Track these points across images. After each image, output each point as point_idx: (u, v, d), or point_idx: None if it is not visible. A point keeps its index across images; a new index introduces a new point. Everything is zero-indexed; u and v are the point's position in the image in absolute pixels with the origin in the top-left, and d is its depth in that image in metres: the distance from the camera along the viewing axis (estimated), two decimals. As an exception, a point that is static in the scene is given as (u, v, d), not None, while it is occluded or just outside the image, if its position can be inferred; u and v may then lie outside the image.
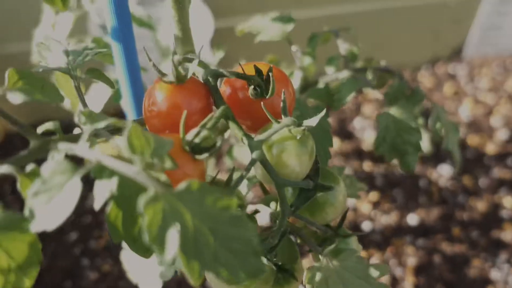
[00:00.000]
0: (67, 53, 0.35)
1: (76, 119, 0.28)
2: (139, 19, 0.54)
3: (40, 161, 0.29)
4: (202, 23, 0.81)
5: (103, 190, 0.28)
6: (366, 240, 0.92)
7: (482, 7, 1.21)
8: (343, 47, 0.55)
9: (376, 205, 0.98)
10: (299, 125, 0.36)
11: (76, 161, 0.27)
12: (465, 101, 1.19)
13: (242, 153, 0.57)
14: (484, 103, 1.19)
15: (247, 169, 0.34)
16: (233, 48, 0.83)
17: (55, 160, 0.26)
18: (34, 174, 0.28)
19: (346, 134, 1.11)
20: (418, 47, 1.24)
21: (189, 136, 0.31)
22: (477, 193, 1.00)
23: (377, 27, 1.15)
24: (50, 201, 0.25)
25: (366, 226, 0.94)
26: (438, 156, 1.05)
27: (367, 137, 1.10)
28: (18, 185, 0.29)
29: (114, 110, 1.00)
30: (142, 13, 0.54)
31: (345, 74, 0.53)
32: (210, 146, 0.32)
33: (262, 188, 0.46)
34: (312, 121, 0.36)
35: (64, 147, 0.28)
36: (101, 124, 0.28)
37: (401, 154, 0.50)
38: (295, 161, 0.35)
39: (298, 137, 0.35)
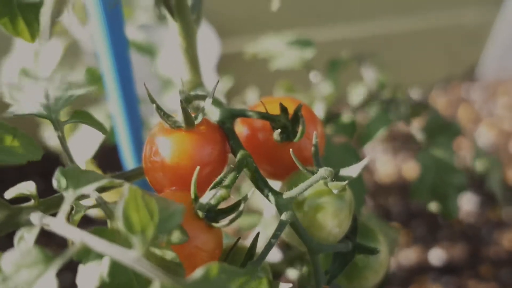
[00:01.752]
0: (47, 95, 0.28)
1: (54, 183, 0.21)
2: (138, 44, 0.48)
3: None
4: (207, 46, 0.75)
5: (89, 278, 0.21)
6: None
7: (498, 27, 1.15)
8: (368, 76, 0.48)
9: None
10: (335, 174, 0.29)
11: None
12: (481, 125, 1.13)
13: (255, 195, 0.50)
14: (501, 127, 1.12)
15: (275, 235, 0.26)
16: (240, 72, 0.76)
17: (21, 247, 0.19)
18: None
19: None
20: (431, 68, 1.18)
21: (205, 199, 0.24)
22: (502, 226, 0.92)
23: (390, 50, 1.10)
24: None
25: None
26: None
27: (380, 166, 1.03)
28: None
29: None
30: (141, 37, 0.48)
31: (373, 107, 0.46)
32: (229, 209, 0.25)
33: (283, 243, 0.39)
34: (353, 171, 0.29)
35: (38, 220, 0.21)
36: (88, 189, 0.21)
37: (442, 198, 0.42)
38: (333, 221, 0.28)
39: (335, 192, 0.28)
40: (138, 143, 0.42)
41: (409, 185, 0.97)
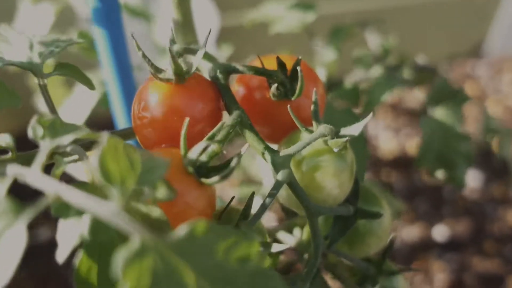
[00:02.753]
0: (31, 45, 0.26)
1: (29, 132, 0.19)
2: (131, 8, 0.45)
3: None
4: (207, 20, 0.72)
5: (69, 234, 0.19)
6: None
7: (505, 4, 1.12)
8: (372, 40, 0.46)
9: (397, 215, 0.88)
10: (336, 134, 0.27)
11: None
12: (487, 102, 1.10)
13: (254, 164, 0.48)
14: (507, 104, 1.10)
15: (271, 194, 0.25)
16: (240, 46, 0.74)
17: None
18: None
19: (361, 139, 1.02)
20: (437, 44, 1.15)
21: (194, 152, 0.22)
22: (507, 202, 0.90)
23: (394, 24, 1.06)
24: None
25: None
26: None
27: (383, 143, 1.00)
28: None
29: (107, 116, 0.91)
30: (137, 2, 0.45)
31: (377, 71, 0.44)
32: (222, 166, 0.23)
33: (282, 208, 0.37)
34: (354, 129, 0.27)
35: (14, 172, 0.19)
36: (66, 139, 0.19)
37: (449, 166, 0.40)
38: (333, 182, 0.26)
39: (336, 150, 0.26)
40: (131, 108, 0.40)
41: (413, 161, 0.95)
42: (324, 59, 0.47)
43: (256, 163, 0.48)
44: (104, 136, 0.18)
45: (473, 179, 0.94)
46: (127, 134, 0.28)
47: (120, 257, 0.16)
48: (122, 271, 0.16)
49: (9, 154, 0.21)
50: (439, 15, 1.10)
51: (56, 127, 0.20)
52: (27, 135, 0.20)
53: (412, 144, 0.99)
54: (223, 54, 0.56)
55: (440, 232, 0.86)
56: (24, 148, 0.24)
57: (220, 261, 0.18)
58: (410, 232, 0.86)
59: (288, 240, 0.34)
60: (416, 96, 1.07)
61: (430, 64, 0.45)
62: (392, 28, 1.06)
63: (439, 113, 0.41)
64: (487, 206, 0.90)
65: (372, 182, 0.43)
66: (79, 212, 0.19)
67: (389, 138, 1.01)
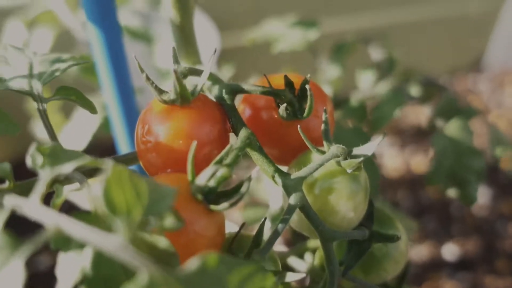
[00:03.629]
0: (31, 66, 0.25)
1: (28, 161, 0.18)
2: (132, 30, 0.45)
3: None
4: (207, 40, 0.72)
5: (70, 269, 0.18)
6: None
7: (504, 17, 1.12)
8: (377, 54, 0.45)
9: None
10: (349, 154, 0.26)
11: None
12: (490, 117, 1.09)
13: (260, 187, 0.47)
14: (510, 118, 1.09)
15: (284, 219, 0.23)
16: (241, 66, 0.73)
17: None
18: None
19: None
20: (437, 59, 1.15)
21: (202, 178, 0.21)
22: (516, 218, 0.88)
23: (395, 41, 1.07)
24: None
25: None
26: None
27: (387, 160, 0.99)
28: None
29: (108, 139, 0.89)
30: (136, 22, 0.45)
31: (383, 87, 0.43)
32: (231, 191, 0.22)
33: (292, 233, 0.36)
34: (367, 149, 0.26)
35: (12, 203, 0.18)
36: (67, 167, 0.18)
37: (461, 183, 0.39)
38: (348, 204, 0.25)
39: (349, 171, 0.25)
40: (133, 132, 0.39)
41: (419, 179, 0.94)
42: (328, 76, 0.46)
43: (261, 185, 0.47)
44: (108, 164, 0.17)
45: (481, 195, 0.92)
46: (130, 159, 0.27)
47: (127, 295, 0.14)
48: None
49: (7, 184, 0.20)
50: (438, 30, 1.11)
51: (56, 155, 0.19)
52: (23, 162, 0.19)
53: (417, 161, 0.98)
54: (225, 75, 0.55)
55: (450, 251, 0.84)
56: (20, 175, 0.23)
57: (234, 295, 0.16)
58: (420, 252, 0.84)
59: (300, 266, 0.32)
60: (419, 112, 1.06)
61: (436, 79, 0.44)
62: (392, 44, 1.06)
63: (450, 128, 0.40)
64: (496, 223, 0.88)
65: (383, 202, 0.42)
66: (81, 245, 0.18)
67: (394, 156, 1.00)
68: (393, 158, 1.00)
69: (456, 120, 0.41)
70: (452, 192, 0.40)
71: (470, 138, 0.40)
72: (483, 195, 0.92)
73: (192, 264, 0.16)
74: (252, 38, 0.46)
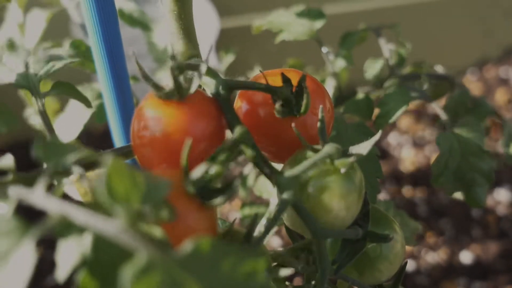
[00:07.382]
0: (26, 65, 0.29)
1: (34, 153, 0.22)
2: (129, 16, 0.48)
3: None
4: (204, 22, 0.75)
5: (70, 253, 0.22)
6: (410, 283, 0.85)
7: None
8: (386, 48, 0.49)
9: (420, 238, 0.90)
10: (344, 153, 0.30)
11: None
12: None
13: (261, 184, 0.50)
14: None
15: (275, 217, 0.27)
16: (243, 51, 0.77)
17: (-2, 216, 0.20)
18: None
19: (380, 153, 1.04)
20: (464, 47, 1.18)
21: (196, 173, 0.25)
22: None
23: (412, 25, 1.09)
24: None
25: (408, 265, 0.87)
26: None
27: (405, 155, 1.03)
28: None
29: (104, 128, 0.94)
30: (133, 8, 0.48)
31: (391, 82, 0.46)
32: (224, 187, 0.26)
33: (288, 232, 0.40)
34: (363, 148, 0.30)
35: (16, 194, 0.22)
36: (67, 160, 0.22)
37: (468, 185, 0.43)
38: (340, 203, 0.29)
39: (342, 171, 0.29)
40: (128, 122, 0.43)
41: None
42: (334, 68, 0.50)
43: (261, 183, 0.51)
44: (109, 157, 0.21)
45: (503, 197, 0.96)
46: (125, 153, 0.31)
47: (127, 273, 0.18)
48: (130, 285, 0.18)
49: (9, 176, 0.24)
50: (464, 13, 1.13)
51: (57, 148, 0.23)
52: (17, 148, 0.22)
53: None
54: (225, 61, 0.59)
55: (468, 257, 0.88)
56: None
57: (227, 276, 0.20)
58: (435, 257, 0.88)
59: (294, 265, 0.36)
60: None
61: (448, 74, 0.48)
62: (406, 30, 1.09)
63: (459, 127, 0.43)
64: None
65: (388, 202, 0.45)
66: (81, 231, 0.22)
67: (412, 150, 1.04)
68: (412, 152, 1.03)
69: (466, 119, 0.44)
70: (459, 194, 0.44)
71: (481, 138, 0.44)
72: (506, 197, 0.95)
73: (186, 245, 0.20)
74: (257, 27, 0.50)
